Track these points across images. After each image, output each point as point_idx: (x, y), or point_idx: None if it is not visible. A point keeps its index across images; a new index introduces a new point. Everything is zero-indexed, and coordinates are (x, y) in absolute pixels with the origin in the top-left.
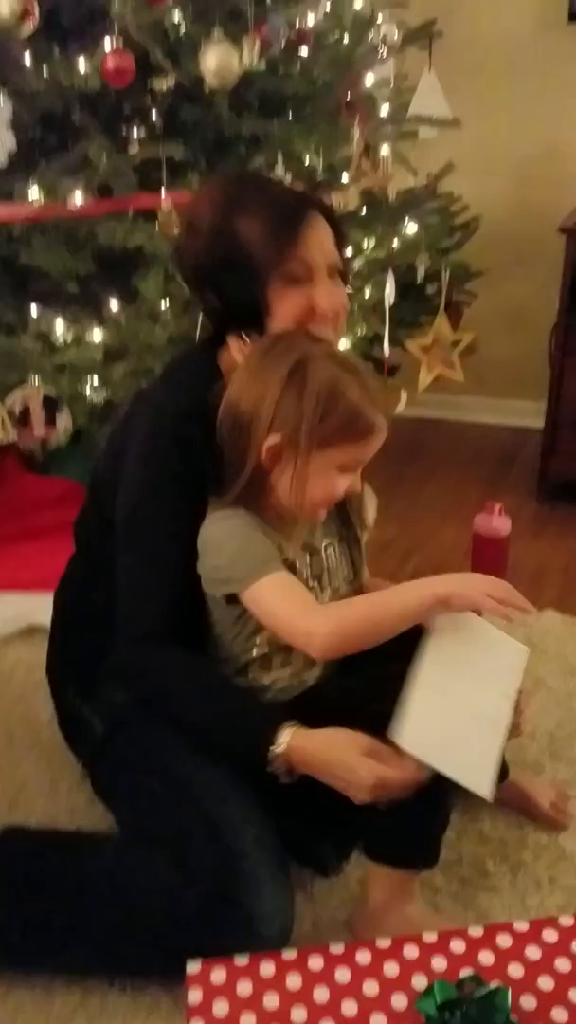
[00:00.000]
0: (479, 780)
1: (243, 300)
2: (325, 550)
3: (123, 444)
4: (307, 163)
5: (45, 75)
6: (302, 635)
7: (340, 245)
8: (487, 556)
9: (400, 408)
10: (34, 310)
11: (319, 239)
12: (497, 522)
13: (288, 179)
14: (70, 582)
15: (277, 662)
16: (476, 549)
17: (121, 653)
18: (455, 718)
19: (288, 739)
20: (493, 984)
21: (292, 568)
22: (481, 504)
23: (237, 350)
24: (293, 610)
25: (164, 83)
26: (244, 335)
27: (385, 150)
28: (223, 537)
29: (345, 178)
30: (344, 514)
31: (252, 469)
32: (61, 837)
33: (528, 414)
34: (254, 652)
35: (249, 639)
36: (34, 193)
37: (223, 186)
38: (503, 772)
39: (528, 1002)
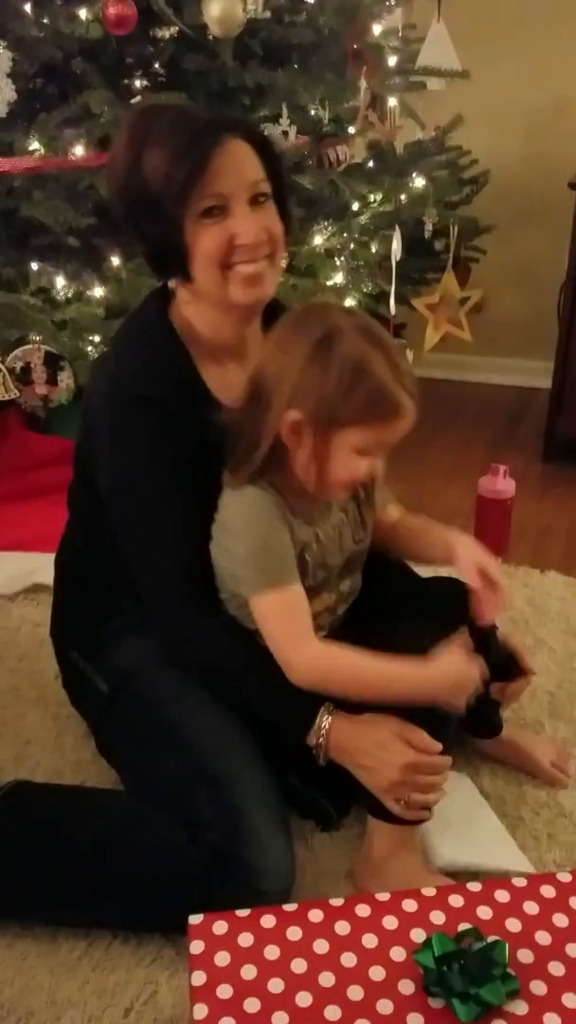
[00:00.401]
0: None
1: (161, 242)
2: (332, 527)
3: (89, 412)
4: (312, 114)
5: (45, 23)
6: (284, 662)
7: (272, 167)
8: (491, 518)
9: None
10: (34, 265)
11: (234, 165)
12: (501, 484)
13: (293, 131)
14: (68, 547)
15: None
16: (480, 511)
17: (153, 627)
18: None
19: (329, 721)
20: (491, 938)
21: (306, 548)
22: (486, 465)
23: (183, 309)
24: (286, 637)
25: (166, 32)
26: (179, 277)
27: (392, 102)
28: (244, 526)
29: (351, 130)
30: None
31: (271, 444)
32: (68, 793)
33: (535, 374)
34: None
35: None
36: (34, 145)
37: (133, 120)
38: (497, 727)
39: (525, 956)
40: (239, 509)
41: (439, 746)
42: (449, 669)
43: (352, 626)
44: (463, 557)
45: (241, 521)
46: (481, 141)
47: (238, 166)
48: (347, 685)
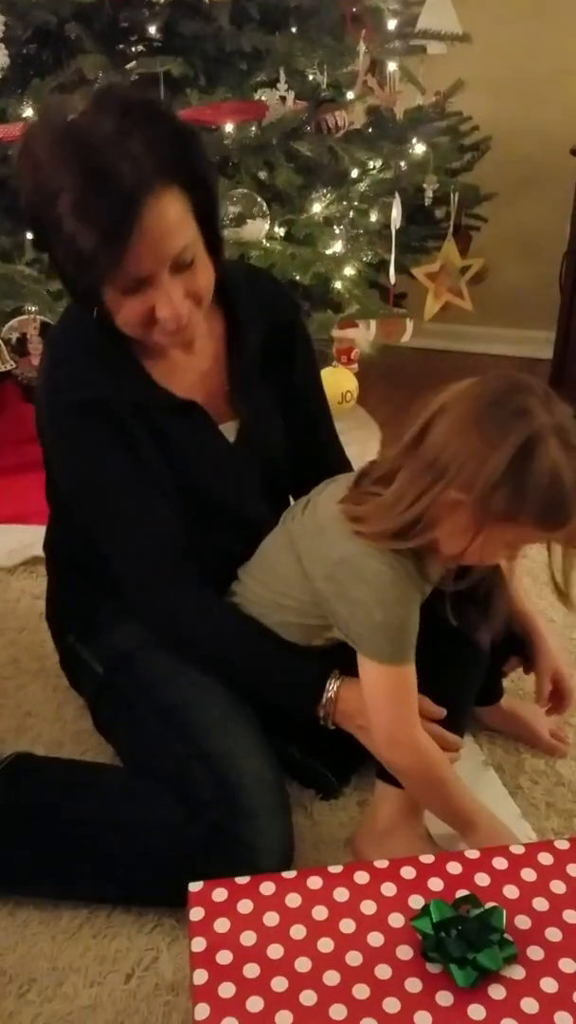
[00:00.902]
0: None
1: (78, 290)
2: None
3: (37, 420)
4: (310, 79)
5: None
6: (383, 733)
7: (202, 202)
8: None
9: (406, 339)
10: (29, 235)
11: (156, 240)
12: None
13: (291, 97)
14: (52, 535)
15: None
16: None
17: (144, 615)
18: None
19: (335, 689)
20: (488, 905)
21: None
22: None
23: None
24: (398, 713)
25: None
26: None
27: (392, 66)
28: (391, 596)
29: (350, 95)
30: None
31: (429, 518)
32: (68, 768)
33: (537, 344)
34: (313, 642)
35: (312, 637)
36: (28, 111)
37: (50, 146)
38: (496, 694)
39: (523, 922)
40: (386, 575)
41: (442, 712)
42: (492, 839)
43: None
44: (543, 659)
45: (386, 590)
46: (482, 107)
47: (161, 240)
48: (423, 781)
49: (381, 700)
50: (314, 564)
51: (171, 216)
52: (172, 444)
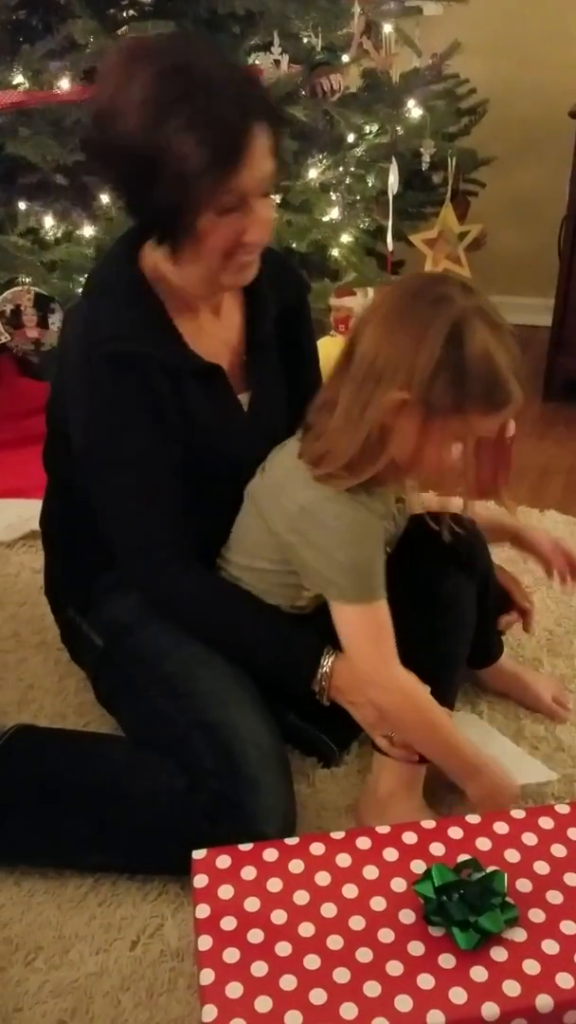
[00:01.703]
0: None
1: (167, 220)
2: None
3: (61, 368)
4: (305, 42)
5: None
6: (368, 675)
7: (279, 144)
8: (490, 457)
9: None
10: (22, 205)
11: (258, 160)
12: None
13: (285, 60)
14: (50, 508)
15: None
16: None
17: (140, 582)
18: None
19: (330, 664)
20: (490, 868)
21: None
22: None
23: (157, 260)
24: (375, 653)
25: None
26: (167, 248)
27: (388, 28)
28: (350, 536)
29: (345, 58)
30: None
31: (376, 431)
32: (71, 738)
33: (536, 311)
34: (297, 602)
35: (295, 596)
36: (18, 79)
37: (155, 79)
38: (496, 652)
39: (524, 885)
40: (345, 514)
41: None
42: (494, 781)
43: None
44: (536, 541)
45: (346, 530)
46: (480, 69)
47: (261, 161)
48: (413, 722)
49: (356, 641)
50: (277, 520)
51: (268, 144)
52: (192, 407)
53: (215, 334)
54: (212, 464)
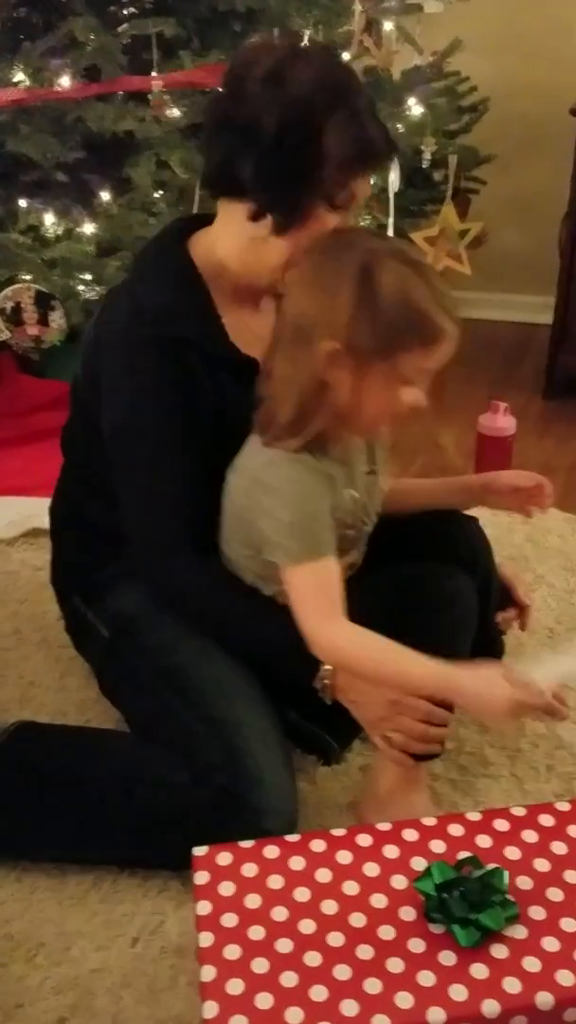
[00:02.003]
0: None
1: (284, 198)
2: (360, 487)
3: (99, 349)
4: (306, 39)
5: None
6: (309, 634)
7: None
8: (491, 456)
9: None
10: (23, 202)
11: (370, 180)
12: (502, 421)
13: None
14: (63, 494)
15: None
16: (480, 448)
17: (147, 571)
18: None
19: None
20: (490, 866)
21: (347, 510)
22: (487, 403)
23: (231, 234)
24: (316, 609)
25: None
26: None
27: (388, 25)
28: (293, 494)
29: (346, 55)
30: (370, 448)
31: (314, 387)
32: (73, 733)
33: (537, 309)
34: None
35: (278, 588)
36: (19, 76)
37: (322, 77)
38: (497, 654)
39: (524, 883)
40: (289, 475)
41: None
42: (479, 685)
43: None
44: (501, 476)
45: (289, 488)
46: (480, 67)
47: (369, 183)
48: (368, 670)
49: (300, 602)
50: (238, 501)
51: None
52: (226, 398)
53: (253, 328)
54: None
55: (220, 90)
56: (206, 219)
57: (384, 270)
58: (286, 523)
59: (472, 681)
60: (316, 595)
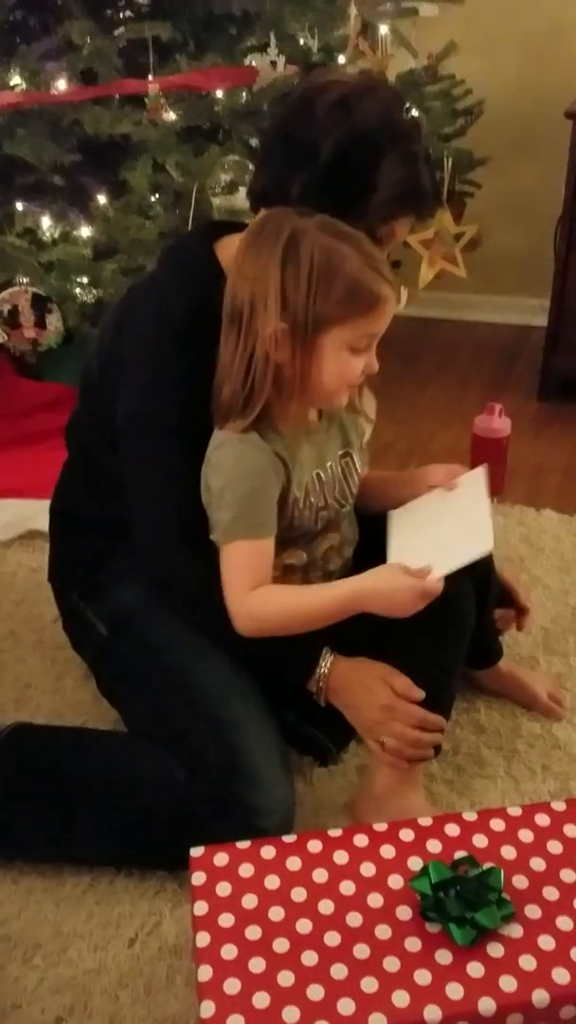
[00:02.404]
0: (480, 542)
1: (345, 204)
2: (331, 468)
3: (118, 342)
4: (301, 43)
5: None
6: (230, 609)
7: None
8: (487, 457)
9: (401, 306)
10: (19, 205)
11: (407, 228)
12: (497, 423)
13: (281, 61)
14: (65, 489)
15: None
16: (475, 450)
17: (148, 562)
18: (434, 532)
19: (328, 665)
20: (486, 865)
21: (309, 488)
22: (482, 405)
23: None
24: (238, 584)
25: None
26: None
27: (384, 29)
28: (237, 472)
29: (341, 59)
30: (344, 431)
31: (260, 366)
32: (70, 733)
33: (532, 311)
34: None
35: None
36: (15, 79)
37: (389, 117)
38: (496, 654)
39: (520, 882)
40: (233, 453)
41: (419, 694)
42: (381, 586)
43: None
44: (429, 470)
45: (233, 466)
46: (475, 70)
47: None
48: (287, 624)
49: (228, 576)
50: (204, 492)
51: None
52: None
53: None
54: None
55: (286, 107)
56: (238, 226)
57: (309, 243)
58: (227, 500)
59: (374, 584)
60: (246, 573)
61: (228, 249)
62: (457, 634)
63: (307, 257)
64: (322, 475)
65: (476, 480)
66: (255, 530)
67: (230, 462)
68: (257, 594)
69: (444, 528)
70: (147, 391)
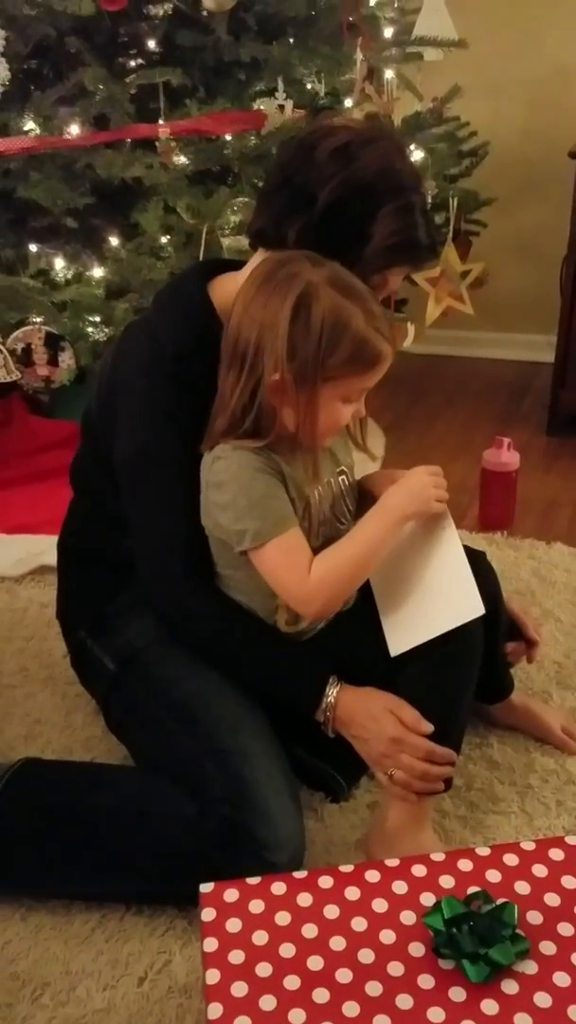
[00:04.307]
0: (468, 607)
1: (339, 251)
2: (331, 483)
3: (115, 381)
4: (308, 88)
5: (38, 1)
6: (296, 600)
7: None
8: (496, 491)
9: (408, 343)
10: (33, 247)
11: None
12: (506, 457)
13: (289, 105)
14: (71, 526)
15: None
16: (485, 484)
17: (155, 596)
18: (416, 593)
19: (335, 695)
20: (500, 900)
21: (308, 504)
22: (491, 439)
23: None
24: (292, 574)
25: (160, 8)
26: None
27: (389, 74)
28: (244, 480)
29: (348, 103)
30: (334, 454)
31: (262, 405)
32: (78, 768)
33: (539, 348)
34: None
35: (268, 610)
36: (29, 124)
37: (390, 168)
38: (508, 687)
39: (534, 917)
40: (232, 461)
41: (428, 727)
42: (402, 488)
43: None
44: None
45: (237, 474)
46: (480, 112)
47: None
48: (352, 578)
49: (278, 575)
50: (205, 521)
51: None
52: None
53: None
54: None
55: (289, 151)
56: (233, 264)
57: (320, 300)
58: (243, 506)
59: (399, 491)
60: (290, 564)
61: (221, 289)
62: (466, 667)
63: (318, 317)
64: (320, 490)
65: (444, 524)
66: (281, 524)
67: (233, 470)
68: (314, 569)
69: (428, 584)
70: (141, 429)
